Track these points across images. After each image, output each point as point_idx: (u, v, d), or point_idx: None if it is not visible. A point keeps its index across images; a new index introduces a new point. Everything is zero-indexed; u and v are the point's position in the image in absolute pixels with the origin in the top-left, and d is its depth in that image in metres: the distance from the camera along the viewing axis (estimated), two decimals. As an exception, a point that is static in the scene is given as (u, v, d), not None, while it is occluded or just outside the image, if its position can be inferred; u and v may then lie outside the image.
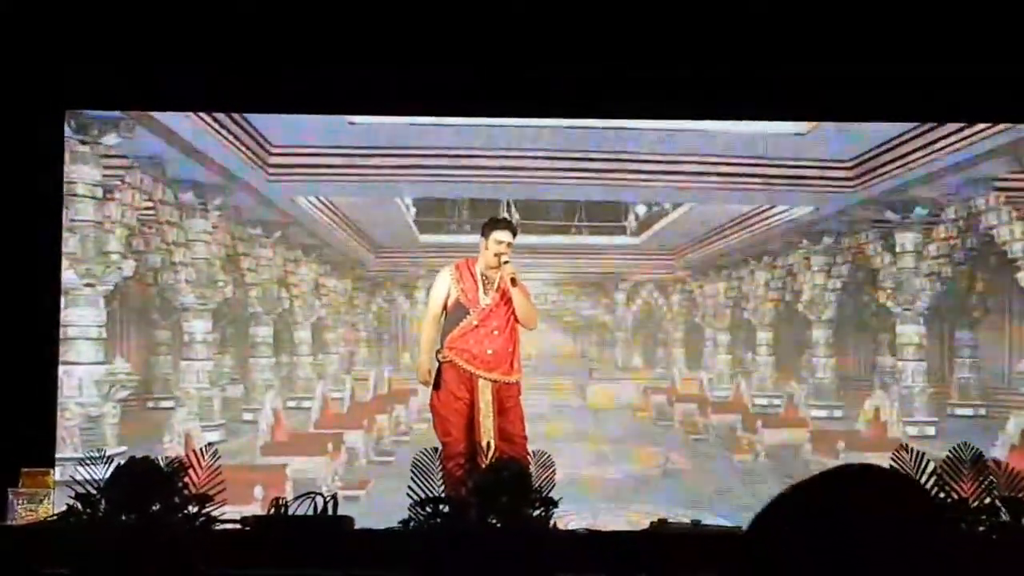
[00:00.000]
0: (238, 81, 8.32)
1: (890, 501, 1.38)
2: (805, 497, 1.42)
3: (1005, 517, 5.93)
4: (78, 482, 6.13)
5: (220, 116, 9.85)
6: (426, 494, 6.05)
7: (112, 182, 9.80)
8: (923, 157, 10.63)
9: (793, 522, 1.39)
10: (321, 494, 6.51)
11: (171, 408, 10.98)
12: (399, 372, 13.81)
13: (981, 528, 5.84)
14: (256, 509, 8.00)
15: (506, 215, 11.52)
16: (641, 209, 14.05)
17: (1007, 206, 10.60)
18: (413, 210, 13.55)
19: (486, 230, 7.76)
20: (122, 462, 6.34)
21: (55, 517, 6.43)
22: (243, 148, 10.52)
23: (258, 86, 8.39)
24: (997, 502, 5.97)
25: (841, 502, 1.37)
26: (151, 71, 8.17)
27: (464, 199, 13.29)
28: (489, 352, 7.61)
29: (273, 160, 11.05)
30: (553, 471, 6.36)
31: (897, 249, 11.89)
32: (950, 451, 6.22)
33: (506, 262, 7.56)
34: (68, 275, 9.08)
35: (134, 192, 10.12)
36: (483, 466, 6.48)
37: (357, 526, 6.45)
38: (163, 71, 8.16)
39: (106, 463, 6.26)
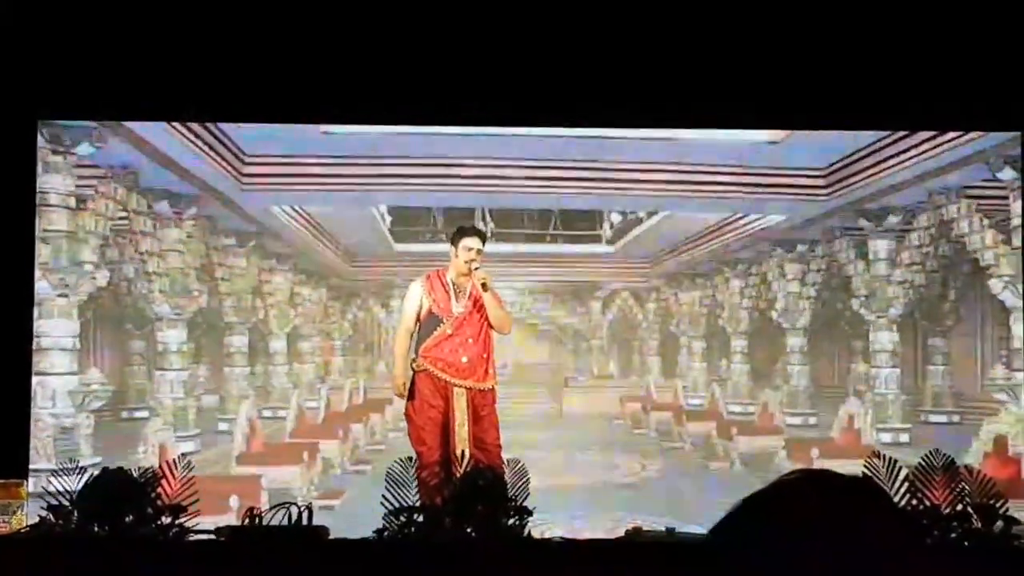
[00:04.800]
0: (212, 91, 8.31)
1: (847, 505, 1.39)
2: (762, 504, 1.43)
3: (977, 524, 5.96)
4: (51, 493, 6.11)
5: (194, 126, 9.82)
6: (401, 503, 6.06)
7: (85, 192, 9.75)
8: (896, 165, 10.69)
9: (750, 529, 1.40)
10: (296, 504, 6.49)
11: (145, 418, 10.94)
12: (374, 381, 13.80)
13: (953, 535, 5.88)
14: (231, 519, 7.97)
15: (480, 223, 11.54)
16: (616, 217, 14.09)
17: (978, 214, 10.65)
18: (388, 219, 13.56)
19: (455, 238, 7.79)
20: (96, 473, 6.33)
21: (28, 528, 6.40)
22: (217, 158, 10.50)
23: (232, 95, 8.38)
24: (969, 509, 6.01)
25: (797, 508, 1.39)
26: (124, 81, 8.15)
27: (439, 208, 13.31)
28: (464, 360, 7.62)
29: (247, 170, 11.03)
30: (527, 479, 6.38)
31: (870, 257, 11.95)
32: (922, 458, 6.25)
33: (476, 268, 7.59)
34: (41, 285, 9.03)
35: (107, 202, 10.08)
36: (458, 475, 6.49)
37: (332, 535, 6.44)
38: (136, 81, 8.13)
39: (79, 474, 6.25)
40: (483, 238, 7.83)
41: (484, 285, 7.57)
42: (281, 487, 9.93)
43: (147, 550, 5.81)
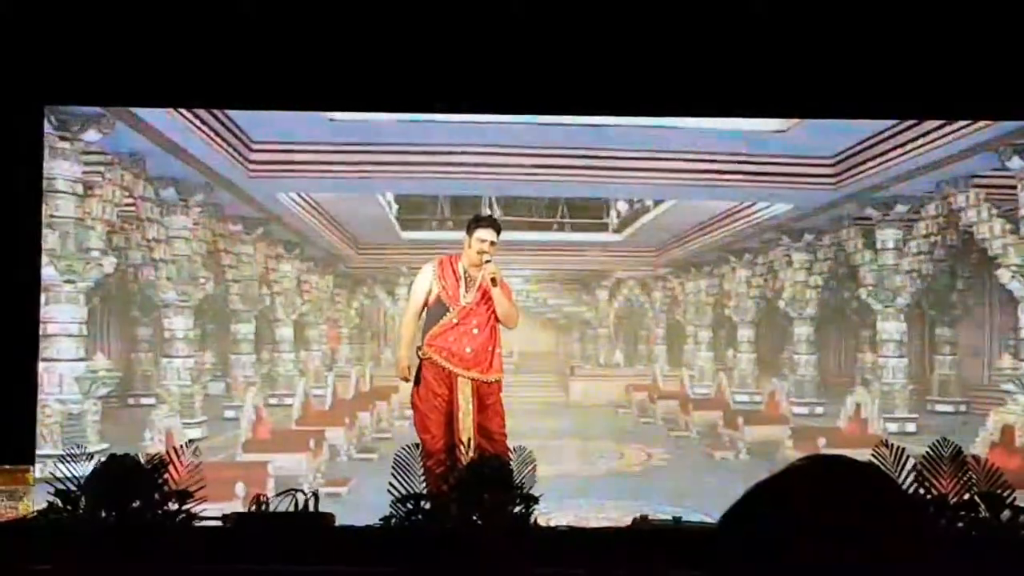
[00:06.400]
0: (219, 77, 8.29)
1: (857, 492, 1.38)
2: (770, 490, 1.42)
3: (984, 514, 5.95)
4: (58, 479, 6.11)
5: (201, 112, 9.82)
6: (407, 491, 6.05)
7: (92, 178, 9.75)
8: (904, 154, 10.66)
9: (757, 515, 1.39)
10: (302, 491, 6.49)
11: (152, 405, 10.96)
12: (380, 369, 13.82)
13: (960, 524, 5.87)
14: (238, 506, 7.98)
15: (489, 212, 11.51)
16: (623, 206, 14.08)
17: (987, 203, 10.63)
18: (395, 207, 13.55)
19: (470, 228, 7.74)
20: (102, 459, 6.33)
21: (35, 514, 6.41)
22: (224, 144, 10.49)
23: (239, 82, 8.37)
24: (976, 498, 6.00)
25: (804, 494, 1.38)
26: (131, 66, 8.13)
27: (446, 196, 13.30)
28: (468, 350, 7.60)
29: (254, 156, 11.03)
30: (534, 467, 6.36)
31: (878, 246, 11.93)
32: (929, 447, 6.24)
33: (487, 261, 7.55)
34: (48, 272, 9.03)
35: (114, 189, 10.08)
36: (462, 463, 6.48)
37: (338, 523, 6.44)
38: (143, 67, 8.12)
39: (86, 460, 6.25)
40: (498, 230, 7.77)
41: (493, 280, 7.53)
42: (287, 474, 9.94)
43: (154, 536, 5.81)
